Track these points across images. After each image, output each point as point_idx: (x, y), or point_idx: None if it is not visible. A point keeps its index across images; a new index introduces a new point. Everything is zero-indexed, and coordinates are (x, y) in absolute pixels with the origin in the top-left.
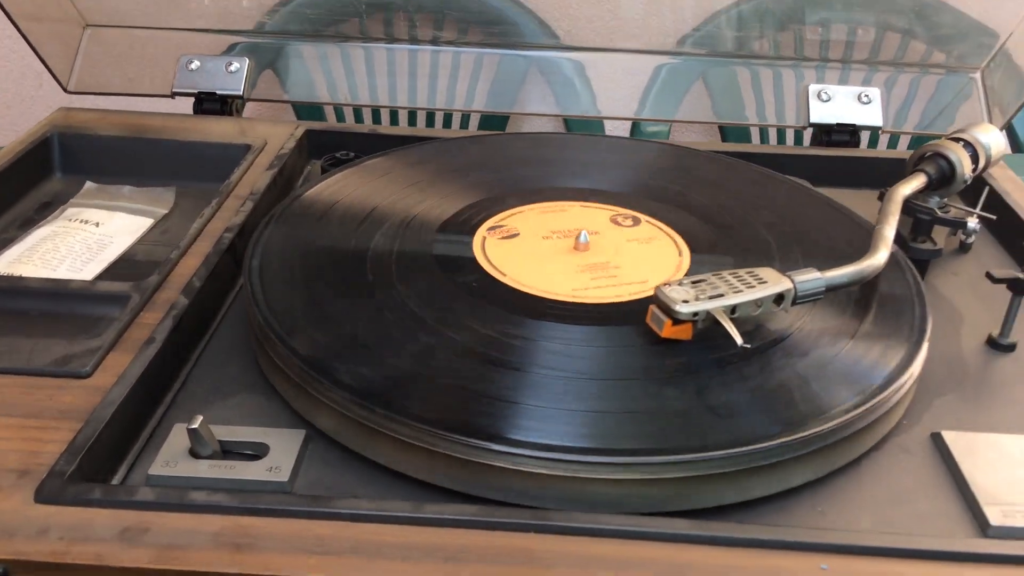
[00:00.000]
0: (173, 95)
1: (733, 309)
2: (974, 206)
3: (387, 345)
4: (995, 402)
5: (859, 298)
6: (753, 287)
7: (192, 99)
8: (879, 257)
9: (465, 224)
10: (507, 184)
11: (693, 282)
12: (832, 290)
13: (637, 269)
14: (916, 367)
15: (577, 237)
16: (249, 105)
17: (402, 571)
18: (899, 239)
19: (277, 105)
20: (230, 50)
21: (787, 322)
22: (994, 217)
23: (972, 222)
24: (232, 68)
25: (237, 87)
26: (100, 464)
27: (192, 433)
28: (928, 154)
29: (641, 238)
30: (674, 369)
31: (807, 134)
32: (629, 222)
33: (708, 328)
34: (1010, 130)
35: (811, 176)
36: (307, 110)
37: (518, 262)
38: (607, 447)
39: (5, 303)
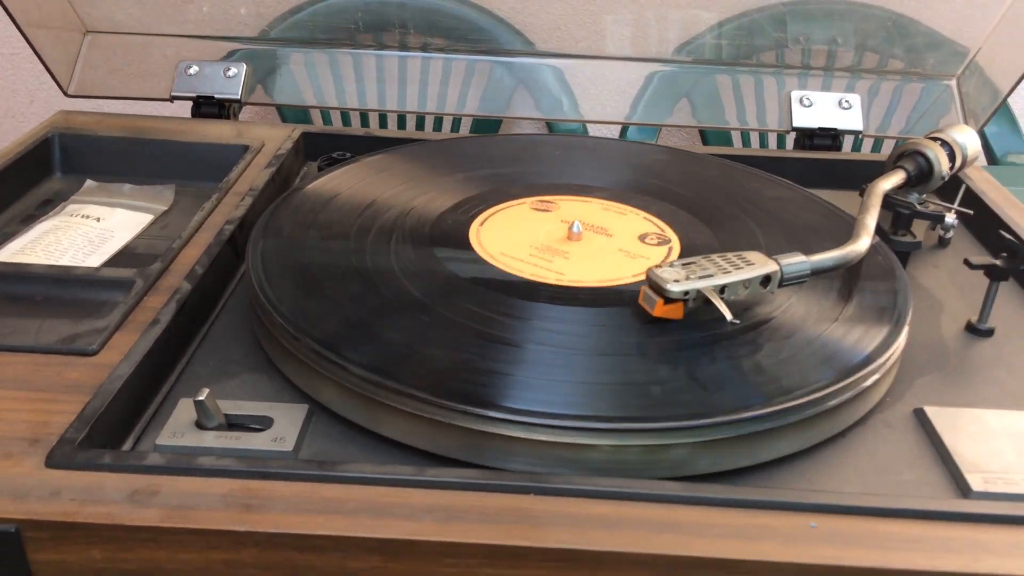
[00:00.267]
0: (172, 99)
1: (722, 289)
2: (951, 204)
3: (387, 323)
4: (975, 382)
5: (842, 284)
6: (741, 268)
7: (190, 104)
8: (862, 243)
9: (463, 214)
10: (504, 180)
11: (684, 264)
12: (817, 274)
13: (628, 257)
14: (899, 344)
15: (570, 227)
16: (242, 113)
17: (407, 529)
18: (880, 232)
19: (269, 112)
20: (228, 57)
21: (773, 304)
22: (971, 212)
23: (950, 217)
24: (230, 73)
25: (235, 91)
26: (108, 434)
27: (198, 405)
28: (907, 152)
29: (632, 229)
30: (664, 346)
31: (789, 141)
32: (621, 215)
33: (698, 308)
34: (985, 144)
35: (794, 178)
36: (295, 116)
37: (513, 249)
38: (600, 414)
39: (9, 288)
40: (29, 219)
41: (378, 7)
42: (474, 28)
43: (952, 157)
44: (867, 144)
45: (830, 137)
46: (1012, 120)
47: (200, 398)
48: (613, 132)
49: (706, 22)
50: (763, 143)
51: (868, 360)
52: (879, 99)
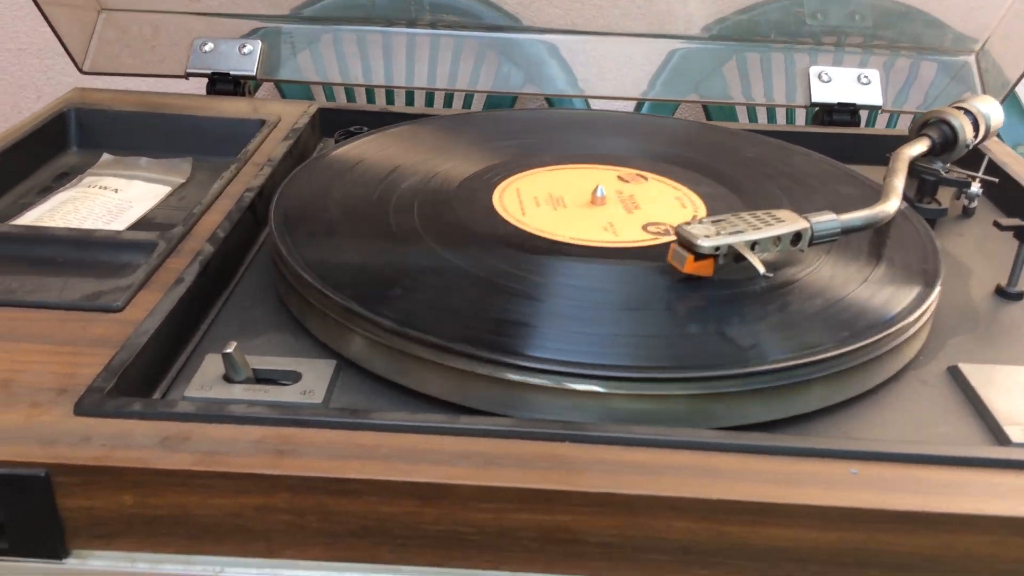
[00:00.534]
0: (187, 76)
1: (753, 245)
2: (975, 173)
3: (414, 279)
4: (1007, 342)
5: (872, 246)
6: (772, 225)
7: (204, 83)
8: (891, 204)
9: (486, 179)
10: (528, 149)
11: (713, 221)
12: (847, 232)
13: (653, 219)
14: (932, 300)
15: (594, 191)
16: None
17: (442, 473)
18: (905, 200)
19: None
20: (248, 35)
21: (803, 264)
22: (996, 180)
23: (975, 186)
24: (245, 50)
25: (251, 68)
26: (136, 387)
27: (226, 358)
28: (931, 120)
29: (656, 194)
30: (695, 302)
31: (799, 117)
32: (643, 180)
33: (727, 266)
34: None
35: None
36: (297, 96)
37: (537, 212)
38: (630, 364)
39: (31, 251)
40: (46, 191)
41: None
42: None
43: (975, 127)
44: (880, 123)
45: (849, 113)
46: (1021, 111)
47: (228, 351)
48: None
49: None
50: (771, 119)
51: (902, 315)
52: (895, 76)
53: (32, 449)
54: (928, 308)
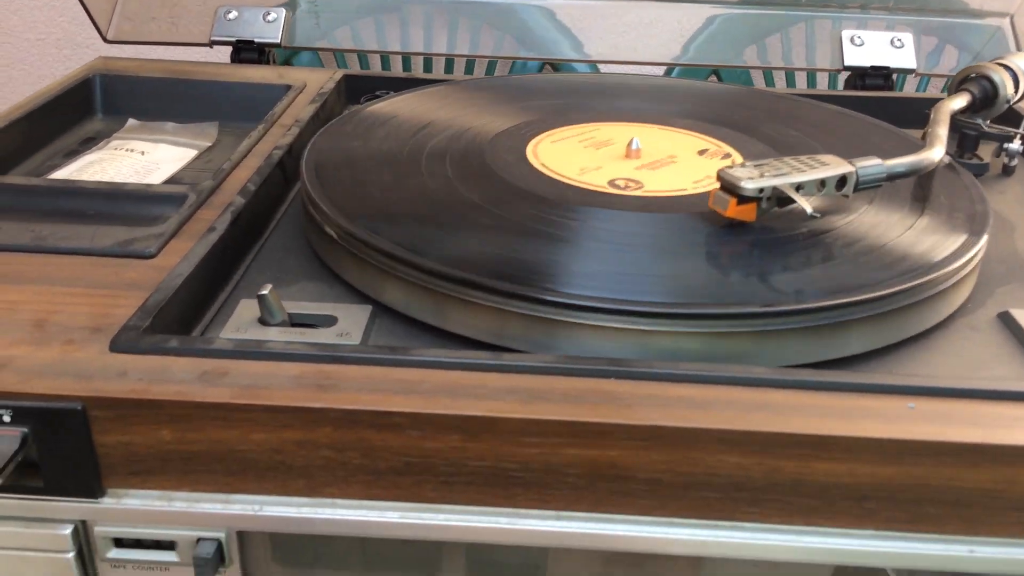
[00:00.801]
0: (211, 44)
1: (798, 187)
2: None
3: (449, 225)
4: None
5: (917, 195)
6: (816, 168)
7: (229, 50)
8: (936, 151)
9: (519, 135)
10: (562, 108)
11: (756, 164)
12: (892, 178)
13: (689, 173)
14: (981, 245)
15: (629, 144)
16: None
17: (487, 407)
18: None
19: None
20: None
21: (848, 212)
22: None
23: (1016, 142)
24: (270, 17)
25: (275, 36)
26: (171, 328)
27: (261, 300)
28: (972, 76)
29: (694, 147)
30: (736, 247)
31: (821, 81)
32: (680, 135)
33: (770, 212)
34: None
35: None
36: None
37: (571, 164)
38: (674, 301)
39: (61, 203)
40: (72, 154)
41: None
42: None
43: (1016, 83)
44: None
45: (882, 76)
46: None
47: (263, 292)
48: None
49: None
50: (790, 83)
51: (950, 259)
52: (927, 39)
53: (68, 383)
54: (977, 253)
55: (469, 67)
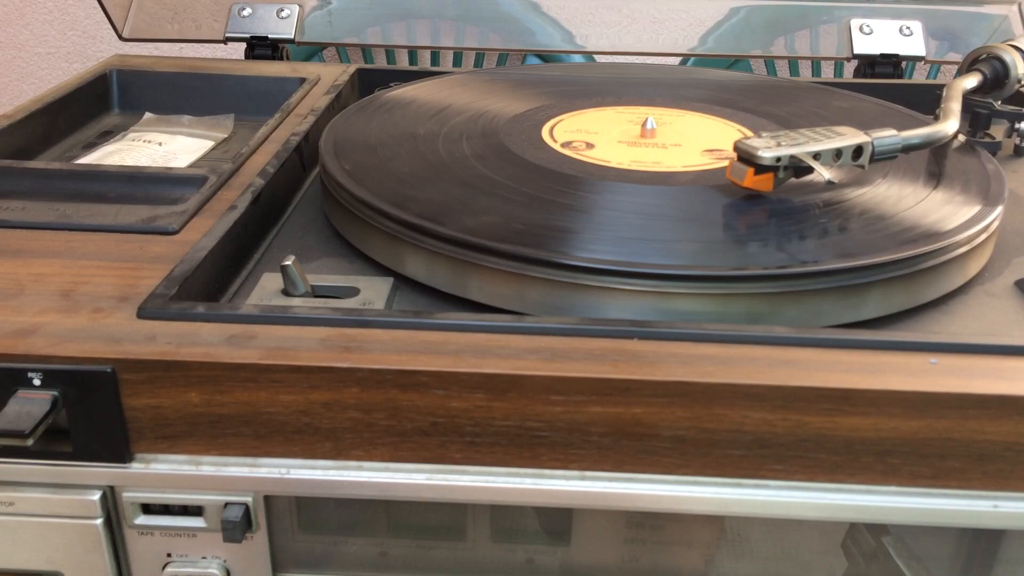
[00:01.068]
0: (225, 41)
1: (815, 156)
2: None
3: (468, 198)
4: None
5: (932, 168)
6: (832, 139)
7: (244, 46)
8: (949, 125)
9: (534, 117)
10: (577, 94)
11: (772, 135)
12: (908, 150)
13: (704, 149)
14: (997, 213)
15: (644, 123)
16: None
17: (512, 366)
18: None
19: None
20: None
21: (863, 184)
22: None
23: None
24: (283, 14)
25: (289, 32)
26: (196, 297)
27: (284, 270)
28: (983, 56)
29: (709, 127)
30: (755, 216)
31: (826, 70)
32: (696, 116)
33: (787, 183)
34: None
35: None
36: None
37: (585, 144)
38: (691, 263)
39: (83, 187)
40: (90, 146)
41: None
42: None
43: None
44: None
45: (891, 64)
46: None
47: (286, 263)
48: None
49: None
50: (793, 73)
51: (967, 225)
52: (936, 28)
53: (97, 346)
54: (995, 220)
55: (478, 61)
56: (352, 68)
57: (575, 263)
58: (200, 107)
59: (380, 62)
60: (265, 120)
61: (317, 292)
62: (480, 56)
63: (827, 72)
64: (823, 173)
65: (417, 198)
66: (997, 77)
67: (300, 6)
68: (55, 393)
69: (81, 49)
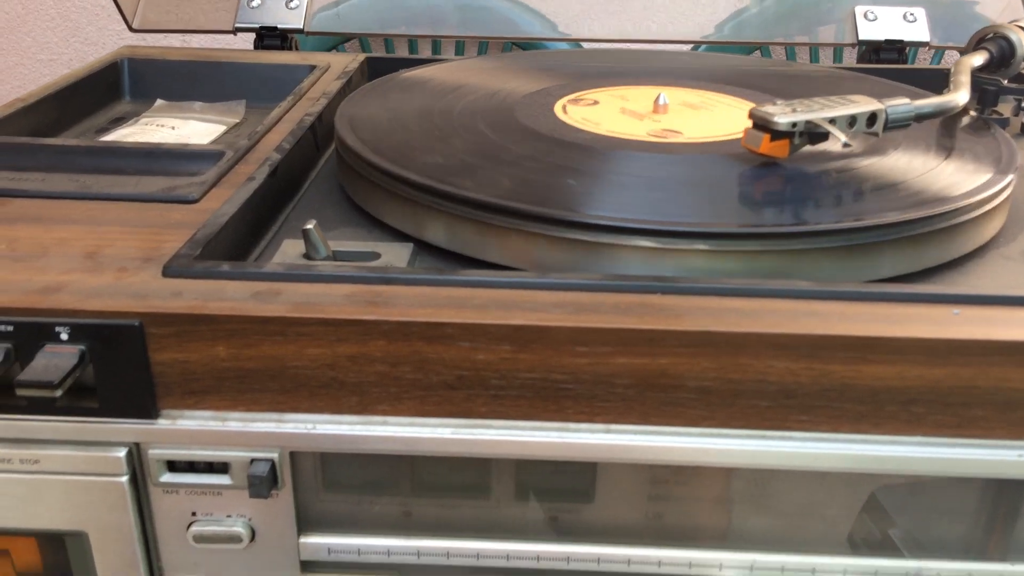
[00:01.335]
0: (235, 31)
1: (830, 122)
2: None
3: (486, 165)
4: None
5: (945, 142)
6: (847, 105)
7: (253, 37)
8: (961, 95)
9: (549, 94)
10: (590, 73)
11: (787, 103)
12: (920, 118)
13: (717, 125)
14: (1011, 180)
15: (656, 99)
16: None
17: (536, 318)
18: None
19: None
20: None
21: (877, 153)
22: None
23: None
24: (292, 4)
25: (298, 22)
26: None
27: (306, 234)
28: (989, 36)
29: (720, 103)
30: (771, 182)
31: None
32: (709, 93)
33: (802, 150)
34: None
35: None
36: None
37: (598, 118)
38: (712, 220)
39: (101, 162)
40: (103, 131)
41: None
42: None
43: None
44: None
45: (896, 50)
46: None
47: (308, 227)
48: None
49: None
50: (790, 58)
51: (983, 187)
52: (938, 14)
53: (125, 301)
54: (1008, 186)
55: (482, 50)
56: (361, 57)
57: (595, 221)
58: (211, 95)
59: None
60: (276, 107)
61: (338, 257)
62: (483, 45)
63: (826, 60)
64: (839, 136)
65: (434, 164)
66: (1003, 56)
67: None
68: (82, 348)
69: (83, 56)
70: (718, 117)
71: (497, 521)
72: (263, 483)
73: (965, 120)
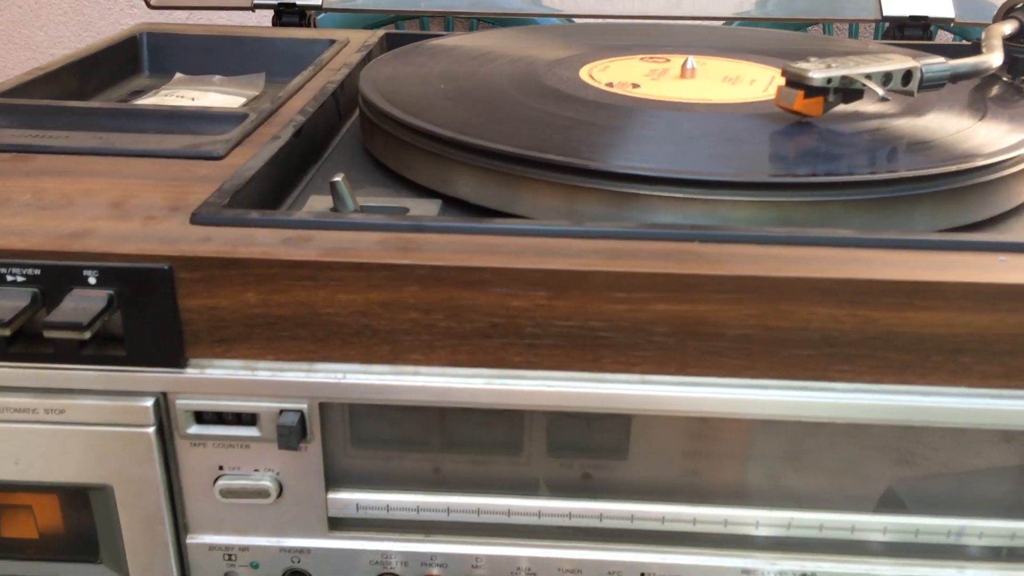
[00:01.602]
0: (253, 8)
1: (867, 77)
2: None
3: (513, 122)
4: None
5: (978, 105)
6: (882, 62)
7: (271, 14)
8: (995, 56)
9: (575, 60)
10: (617, 45)
11: (821, 60)
12: (956, 79)
13: (747, 90)
14: None
15: (684, 64)
16: None
17: (573, 264)
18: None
19: None
20: None
21: (911, 113)
22: None
23: None
24: None
25: None
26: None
27: (334, 187)
28: (1019, 5)
29: (748, 71)
30: (805, 140)
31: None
32: (735, 61)
33: (835, 109)
34: None
35: None
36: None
37: (624, 82)
38: (742, 171)
39: (124, 124)
40: (122, 103)
41: None
42: None
43: None
44: None
45: (921, 27)
46: None
47: (336, 179)
48: None
49: None
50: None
51: (1018, 145)
52: None
53: (153, 245)
54: None
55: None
56: (380, 32)
57: (629, 171)
58: (229, 69)
59: None
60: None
61: (366, 211)
62: (499, 24)
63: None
64: (877, 90)
65: (461, 120)
66: None
67: None
68: (111, 292)
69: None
70: (748, 84)
71: (529, 478)
72: (292, 434)
73: (995, 89)
